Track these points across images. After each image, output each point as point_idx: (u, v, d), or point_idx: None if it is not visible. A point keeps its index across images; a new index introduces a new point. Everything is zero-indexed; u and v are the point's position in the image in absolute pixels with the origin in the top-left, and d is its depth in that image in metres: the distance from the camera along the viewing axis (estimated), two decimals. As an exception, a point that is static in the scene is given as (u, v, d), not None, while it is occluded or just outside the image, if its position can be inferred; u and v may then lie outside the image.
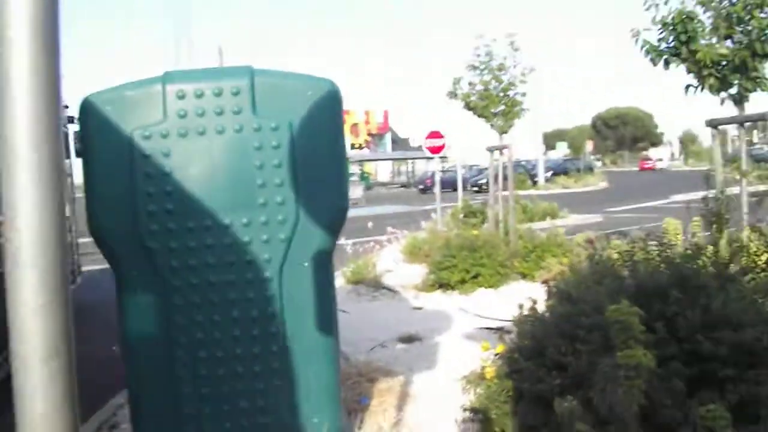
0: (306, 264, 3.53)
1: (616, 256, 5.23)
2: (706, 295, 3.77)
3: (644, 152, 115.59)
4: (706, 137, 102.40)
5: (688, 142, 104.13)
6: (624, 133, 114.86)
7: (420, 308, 9.00)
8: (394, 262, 13.20)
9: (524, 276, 10.42)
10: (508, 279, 10.19)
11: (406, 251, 13.34)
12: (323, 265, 3.60)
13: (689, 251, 4.51)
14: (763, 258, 4.76)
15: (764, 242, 4.99)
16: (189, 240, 3.38)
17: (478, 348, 5.53)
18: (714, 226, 4.95)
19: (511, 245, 11.29)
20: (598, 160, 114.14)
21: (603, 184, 48.06)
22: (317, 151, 3.47)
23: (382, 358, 6.50)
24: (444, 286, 9.93)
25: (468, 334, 7.30)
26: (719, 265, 4.12)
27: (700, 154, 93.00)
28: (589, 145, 67.06)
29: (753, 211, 7.17)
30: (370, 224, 12.70)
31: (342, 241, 11.37)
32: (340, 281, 10.95)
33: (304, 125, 3.43)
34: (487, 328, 7.45)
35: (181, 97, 3.36)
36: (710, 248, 4.55)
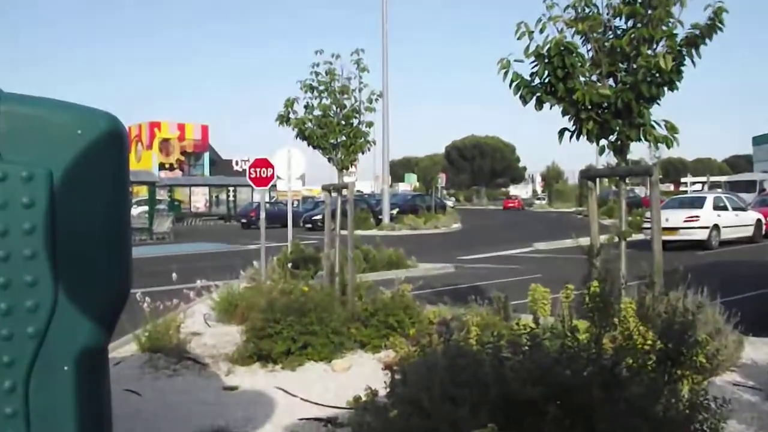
0: (67, 368, 3.02)
1: (475, 344, 5.05)
2: (590, 409, 3.60)
3: (503, 189, 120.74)
4: (572, 174, 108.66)
5: (551, 178, 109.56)
6: (481, 165, 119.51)
7: (234, 388, 8.58)
8: (204, 321, 12.71)
9: (363, 346, 10.32)
10: (343, 349, 10.06)
11: (221, 307, 13.03)
12: (92, 368, 3.10)
13: (568, 347, 4.36)
14: (650, 353, 4.70)
15: (652, 330, 4.95)
16: None
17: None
18: (595, 314, 4.84)
19: (348, 306, 11.12)
20: (451, 195, 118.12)
21: (456, 226, 49.47)
22: (89, 211, 2.98)
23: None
24: (265, 358, 9.62)
25: (291, 428, 6.89)
26: (604, 371, 3.97)
27: (564, 193, 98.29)
28: (441, 179, 68.67)
29: (631, 270, 7.32)
30: (174, 275, 12.06)
31: (136, 291, 10.73)
32: (132, 348, 10.36)
33: (70, 175, 2.94)
34: (316, 419, 7.08)
35: None
36: (591, 344, 4.41)
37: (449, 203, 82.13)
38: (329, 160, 12.36)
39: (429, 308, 11.34)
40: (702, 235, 27.73)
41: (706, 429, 4.06)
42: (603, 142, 7.77)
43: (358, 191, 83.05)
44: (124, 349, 10.41)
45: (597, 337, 4.39)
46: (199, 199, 69.25)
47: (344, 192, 12.35)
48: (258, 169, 17.30)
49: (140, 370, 9.35)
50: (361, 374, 8.93)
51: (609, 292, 5.21)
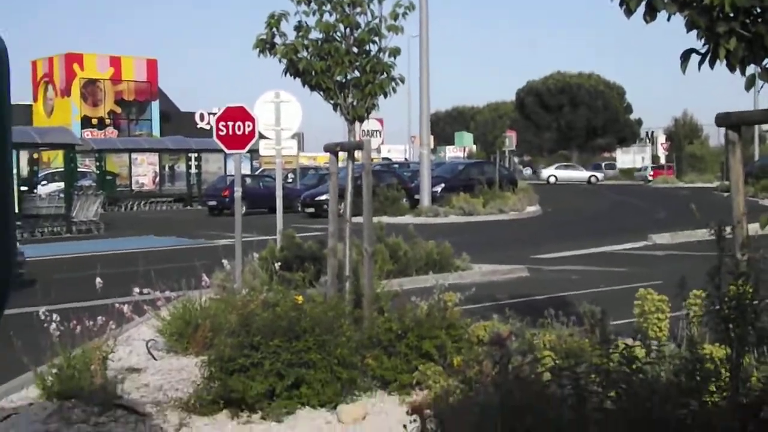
0: None
1: (547, 373, 5.01)
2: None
3: (606, 153, 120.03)
4: (716, 131, 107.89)
5: (682, 138, 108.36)
6: (572, 118, 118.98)
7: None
8: (147, 351, 12.87)
9: (386, 384, 10.33)
10: (355, 389, 10.09)
11: (172, 330, 13.12)
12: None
13: (689, 375, 4.32)
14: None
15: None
16: None
17: None
18: (730, 328, 4.80)
19: (364, 325, 11.12)
20: (526, 164, 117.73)
21: (532, 209, 49.45)
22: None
23: None
24: (236, 403, 9.64)
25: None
26: (745, 411, 3.94)
27: (703, 159, 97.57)
28: (510, 139, 68.29)
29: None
30: (99, 282, 12.08)
31: (38, 308, 10.80)
32: (31, 393, 10.45)
33: None
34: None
35: None
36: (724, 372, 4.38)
37: (524, 175, 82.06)
38: (336, 107, 12.35)
39: (478, 325, 11.32)
40: None
41: None
42: (753, 69, 7.67)
43: (384, 159, 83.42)
44: (19, 394, 10.49)
45: (734, 361, 4.34)
46: (144, 171, 69.20)
47: (358, 155, 12.34)
48: (231, 124, 17.27)
49: (43, 426, 9.32)
50: (382, 428, 8.91)
51: (754, 295, 5.13)
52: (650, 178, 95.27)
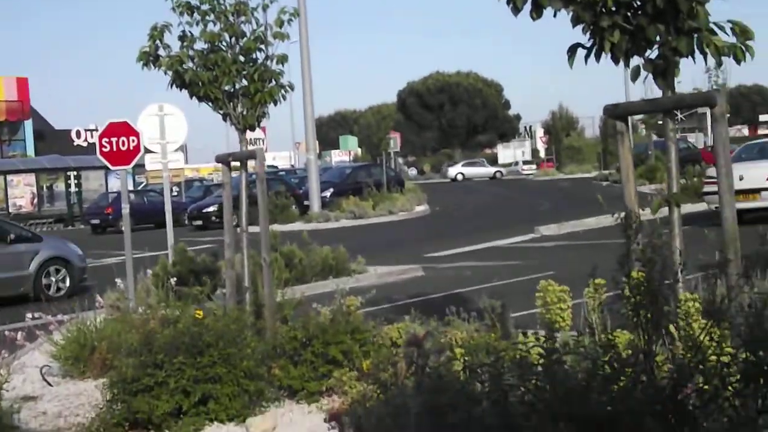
0: None
1: (463, 371, 5.01)
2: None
3: (488, 150, 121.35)
4: (591, 122, 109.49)
5: (559, 131, 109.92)
6: (453, 116, 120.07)
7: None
8: (42, 377, 12.70)
9: (294, 393, 10.33)
10: (263, 401, 10.06)
11: (67, 353, 12.93)
12: None
13: (602, 365, 4.35)
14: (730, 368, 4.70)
15: (730, 335, 4.96)
16: None
17: None
18: (640, 315, 4.85)
19: (267, 335, 11.08)
20: (411, 164, 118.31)
21: (421, 208, 49.83)
22: None
23: None
24: (142, 424, 9.54)
25: None
26: (660, 396, 4.00)
27: (580, 150, 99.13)
28: (394, 141, 68.47)
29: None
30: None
31: None
32: None
33: None
34: None
35: None
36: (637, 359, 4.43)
37: (412, 171, 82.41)
38: (225, 117, 12.31)
39: (392, 327, 11.31)
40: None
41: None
42: (636, 61, 7.78)
43: (270, 166, 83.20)
44: None
45: (646, 348, 4.38)
46: (21, 192, 67.78)
47: (251, 165, 12.28)
48: (114, 140, 16.99)
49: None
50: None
51: (660, 281, 5.19)
52: (523, 171, 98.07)
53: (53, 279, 23.52)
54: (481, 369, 4.60)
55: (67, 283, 23.64)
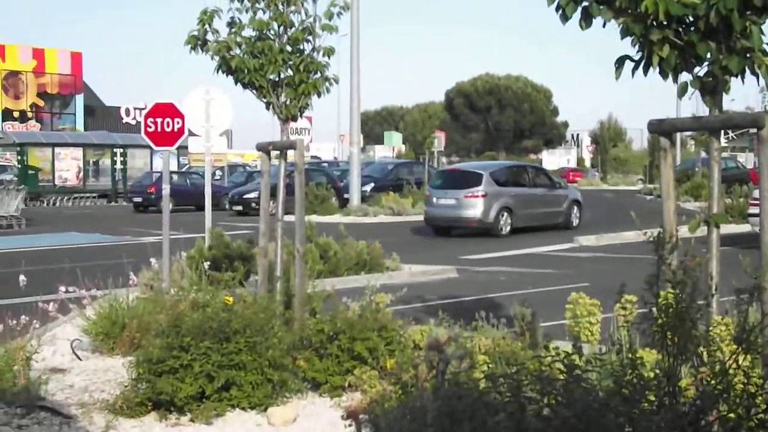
0: None
1: (483, 380, 4.98)
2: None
3: (533, 155, 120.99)
4: (639, 134, 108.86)
5: (607, 141, 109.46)
6: (500, 119, 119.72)
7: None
8: (72, 351, 12.76)
9: (317, 386, 10.34)
10: (286, 391, 10.08)
11: (98, 329, 13.01)
12: None
13: (627, 384, 4.31)
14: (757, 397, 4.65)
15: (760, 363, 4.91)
16: None
17: None
18: (666, 337, 4.80)
19: (295, 326, 11.12)
20: (455, 164, 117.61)
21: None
22: None
23: None
24: (165, 405, 9.55)
25: None
26: (682, 421, 3.95)
27: (627, 162, 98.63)
28: (439, 140, 68.42)
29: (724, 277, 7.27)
30: (23, 280, 11.94)
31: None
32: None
33: None
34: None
35: None
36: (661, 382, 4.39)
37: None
38: (268, 106, 12.32)
39: (415, 329, 11.30)
40: None
41: None
42: (685, 77, 7.72)
43: (314, 157, 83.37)
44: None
45: (670, 371, 4.34)
46: (67, 166, 68.38)
47: (291, 155, 12.28)
48: (159, 120, 17.07)
49: (-39, 428, 9.22)
50: (312, 430, 8.94)
51: (689, 304, 5.13)
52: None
53: (574, 214, 37.05)
54: (501, 379, 4.58)
55: (579, 217, 37.52)
